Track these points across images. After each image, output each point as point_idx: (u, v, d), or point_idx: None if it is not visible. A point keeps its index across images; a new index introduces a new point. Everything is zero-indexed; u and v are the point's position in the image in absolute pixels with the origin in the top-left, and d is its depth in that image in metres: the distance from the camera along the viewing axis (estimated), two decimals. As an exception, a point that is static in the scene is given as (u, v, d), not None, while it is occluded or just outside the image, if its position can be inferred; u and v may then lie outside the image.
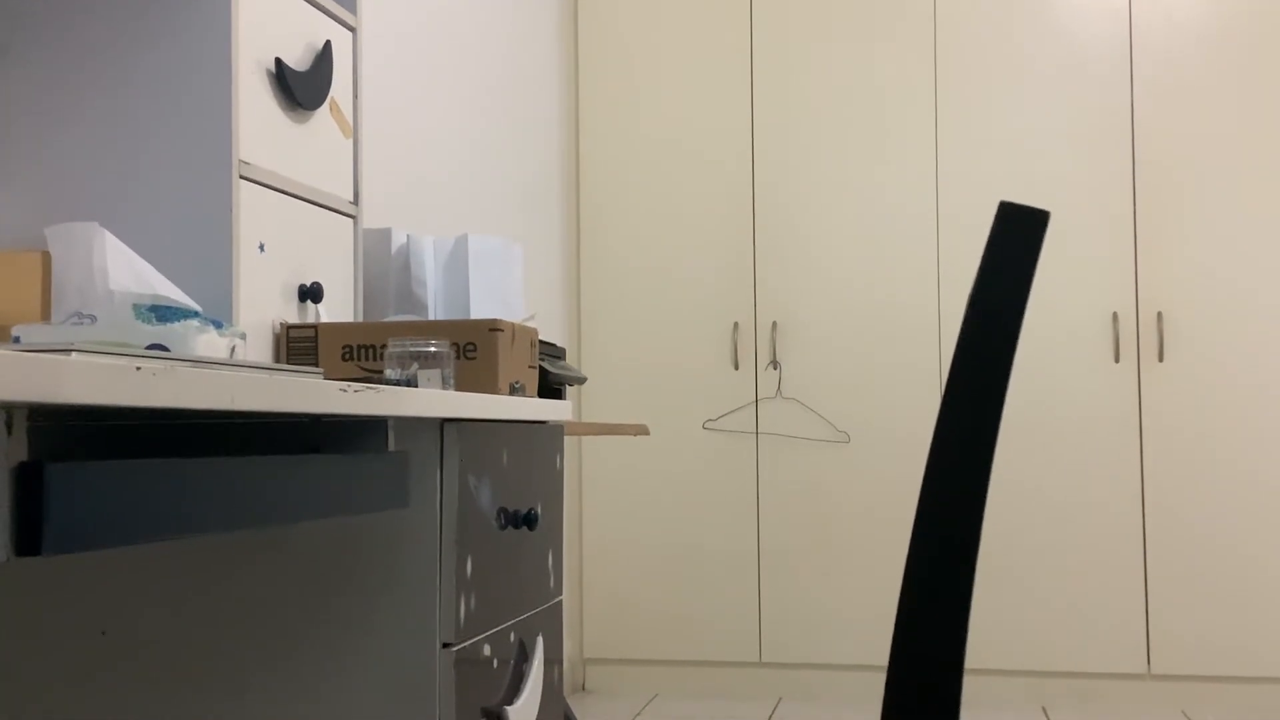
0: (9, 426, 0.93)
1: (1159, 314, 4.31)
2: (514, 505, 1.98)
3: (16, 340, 1.68)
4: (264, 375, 1.17)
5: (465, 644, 1.77)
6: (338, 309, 2.30)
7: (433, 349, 1.83)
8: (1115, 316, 4.34)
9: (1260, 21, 4.31)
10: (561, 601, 2.24)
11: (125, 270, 1.79)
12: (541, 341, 2.54)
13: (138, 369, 0.97)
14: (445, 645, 1.73)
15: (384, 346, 2.06)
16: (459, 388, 2.00)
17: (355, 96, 2.39)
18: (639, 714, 4.26)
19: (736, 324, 4.58)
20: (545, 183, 4.45)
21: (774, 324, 4.55)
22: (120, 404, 0.95)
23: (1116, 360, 4.34)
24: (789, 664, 4.52)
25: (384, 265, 2.54)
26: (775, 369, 4.55)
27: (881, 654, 4.42)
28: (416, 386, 1.75)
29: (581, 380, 2.81)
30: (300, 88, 2.16)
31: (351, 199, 2.37)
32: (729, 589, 4.56)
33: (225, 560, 1.77)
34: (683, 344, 4.62)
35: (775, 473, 4.54)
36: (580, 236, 4.72)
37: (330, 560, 1.76)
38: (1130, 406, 4.33)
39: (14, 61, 2.03)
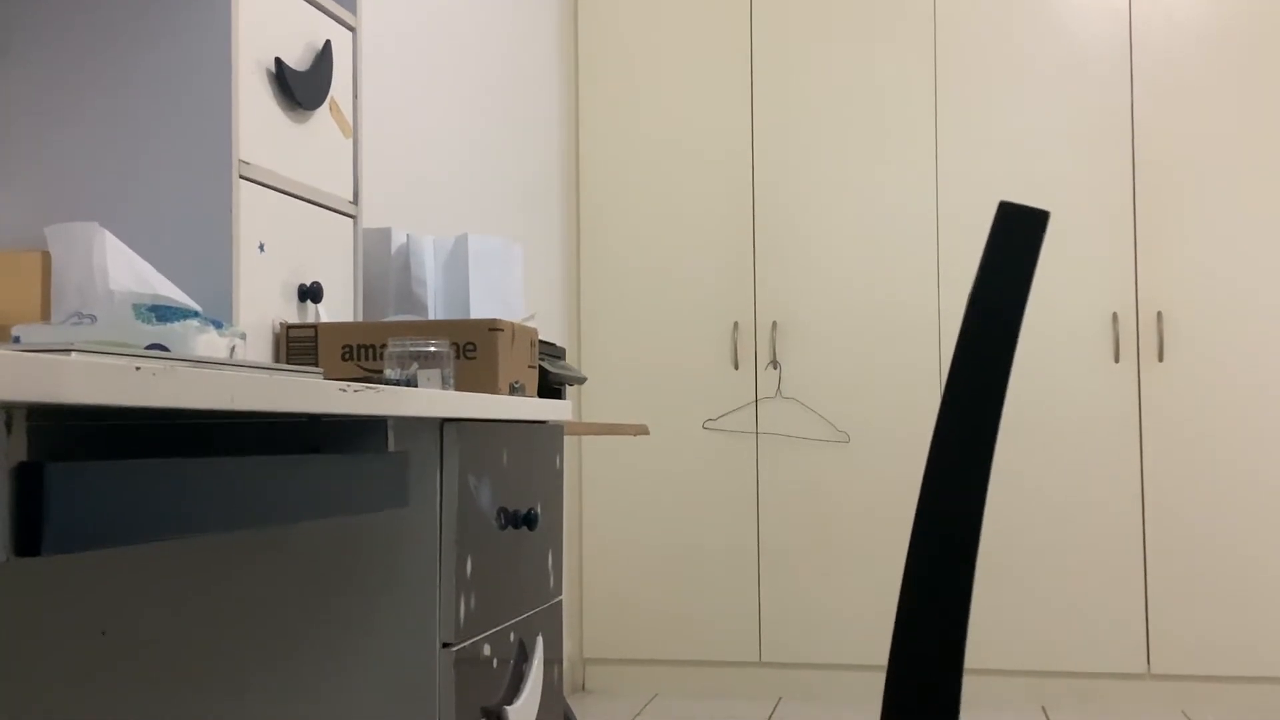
0: (9, 426, 0.93)
1: (1159, 314, 4.31)
2: (514, 505, 1.98)
3: (16, 340, 1.68)
4: (264, 375, 1.17)
5: (465, 644, 1.77)
6: (338, 309, 2.30)
7: (433, 349, 1.83)
8: (1115, 316, 4.34)
9: (1260, 21, 4.31)
10: (561, 601, 2.24)
11: (125, 270, 1.79)
12: (541, 341, 2.54)
13: (137, 369, 0.97)
14: (445, 645, 1.73)
15: (384, 346, 2.06)
16: (459, 387, 2.00)
17: (355, 96, 2.39)
18: (639, 714, 4.26)
19: (736, 324, 4.58)
20: (545, 183, 4.45)
21: (774, 324, 4.55)
22: (120, 404, 0.95)
23: (1116, 360, 4.34)
24: (789, 664, 4.52)
25: (384, 265, 2.54)
26: (775, 369, 4.55)
27: (881, 654, 4.42)
28: (416, 386, 1.75)
29: (581, 380, 2.81)
30: (300, 88, 2.16)
31: (351, 199, 2.37)
32: (729, 589, 4.56)
33: (225, 560, 1.77)
34: (683, 344, 4.62)
35: (775, 473, 4.54)
36: (580, 236, 4.72)
37: (330, 560, 1.76)
38: (1130, 406, 4.33)
39: (14, 61, 2.03)
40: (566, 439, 4.37)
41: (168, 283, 1.82)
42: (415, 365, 1.82)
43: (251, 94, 2.03)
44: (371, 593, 1.75)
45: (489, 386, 2.05)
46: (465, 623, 1.76)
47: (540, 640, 2.09)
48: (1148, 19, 4.37)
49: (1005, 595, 4.36)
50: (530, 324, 2.34)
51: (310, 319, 2.19)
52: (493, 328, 2.07)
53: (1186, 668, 4.26)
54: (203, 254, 1.96)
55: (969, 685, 4.35)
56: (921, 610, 1.21)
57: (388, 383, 1.76)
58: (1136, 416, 4.33)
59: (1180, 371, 4.31)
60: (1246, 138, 4.30)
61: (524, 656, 2.02)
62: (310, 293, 2.18)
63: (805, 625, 4.50)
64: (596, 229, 4.70)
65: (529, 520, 1.97)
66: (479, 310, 2.55)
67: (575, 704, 4.35)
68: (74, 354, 0.98)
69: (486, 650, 1.85)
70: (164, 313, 1.72)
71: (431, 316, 2.52)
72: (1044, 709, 4.28)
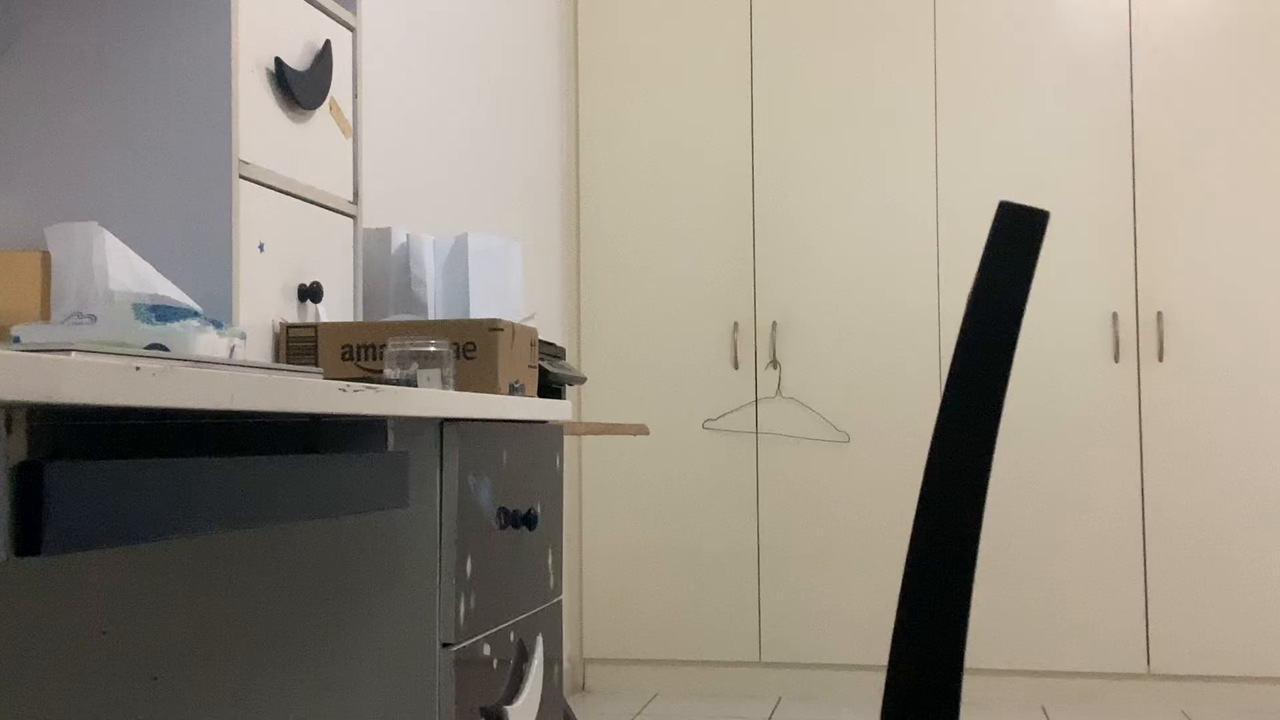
0: (9, 426, 0.93)
1: (1159, 314, 4.31)
2: (514, 505, 1.98)
3: (16, 340, 1.68)
4: (264, 375, 1.17)
5: (465, 644, 1.77)
6: (337, 309, 2.30)
7: (432, 349, 1.83)
8: (1115, 316, 4.34)
9: (1260, 21, 4.31)
10: (561, 601, 2.24)
11: (125, 270, 1.78)
12: (541, 341, 2.54)
13: (137, 369, 0.97)
14: (445, 645, 1.73)
15: (384, 346, 2.06)
16: (459, 387, 2.00)
17: (355, 96, 2.39)
18: (639, 714, 4.26)
19: (736, 324, 4.58)
20: (545, 183, 4.45)
21: (774, 324, 4.55)
22: (120, 404, 0.95)
23: (1116, 360, 4.34)
24: (789, 664, 4.52)
25: (384, 265, 2.54)
26: (775, 369, 4.55)
27: (881, 654, 4.42)
28: (416, 386, 1.75)
29: (581, 380, 2.81)
30: (300, 87, 2.16)
31: (351, 198, 2.37)
32: (729, 589, 4.56)
33: (225, 560, 1.77)
34: (683, 344, 4.62)
35: (775, 473, 4.54)
36: (580, 236, 4.72)
37: (330, 560, 1.76)
38: (1130, 406, 4.33)
39: (14, 61, 2.03)
40: (566, 439, 4.37)
41: (168, 283, 1.82)
42: (415, 365, 1.82)
43: (251, 94, 2.03)
44: (371, 593, 1.75)
45: (489, 386, 2.05)
46: (465, 622, 1.76)
47: (540, 640, 2.09)
48: (1148, 19, 4.37)
49: (1005, 595, 4.36)
50: (530, 324, 2.34)
51: (310, 319, 2.19)
52: (493, 328, 2.07)
53: (1186, 668, 4.26)
54: (203, 254, 1.96)
55: (969, 685, 4.36)
56: (921, 610, 1.21)
57: (388, 383, 1.76)
58: (1136, 416, 4.33)
59: (1180, 371, 4.31)
60: (1246, 138, 4.30)
61: (524, 656, 2.02)
62: (310, 292, 2.18)
63: (805, 625, 4.50)
64: (596, 229, 4.70)
65: (529, 520, 1.97)
66: (479, 310, 2.55)
67: (575, 704, 4.35)
68: (74, 354, 0.98)
69: (486, 650, 1.85)
70: (164, 313, 1.72)
71: (431, 316, 2.52)
72: (1044, 709, 4.28)
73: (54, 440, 1.14)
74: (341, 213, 2.33)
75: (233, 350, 1.79)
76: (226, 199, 1.97)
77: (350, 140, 2.37)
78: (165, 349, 1.68)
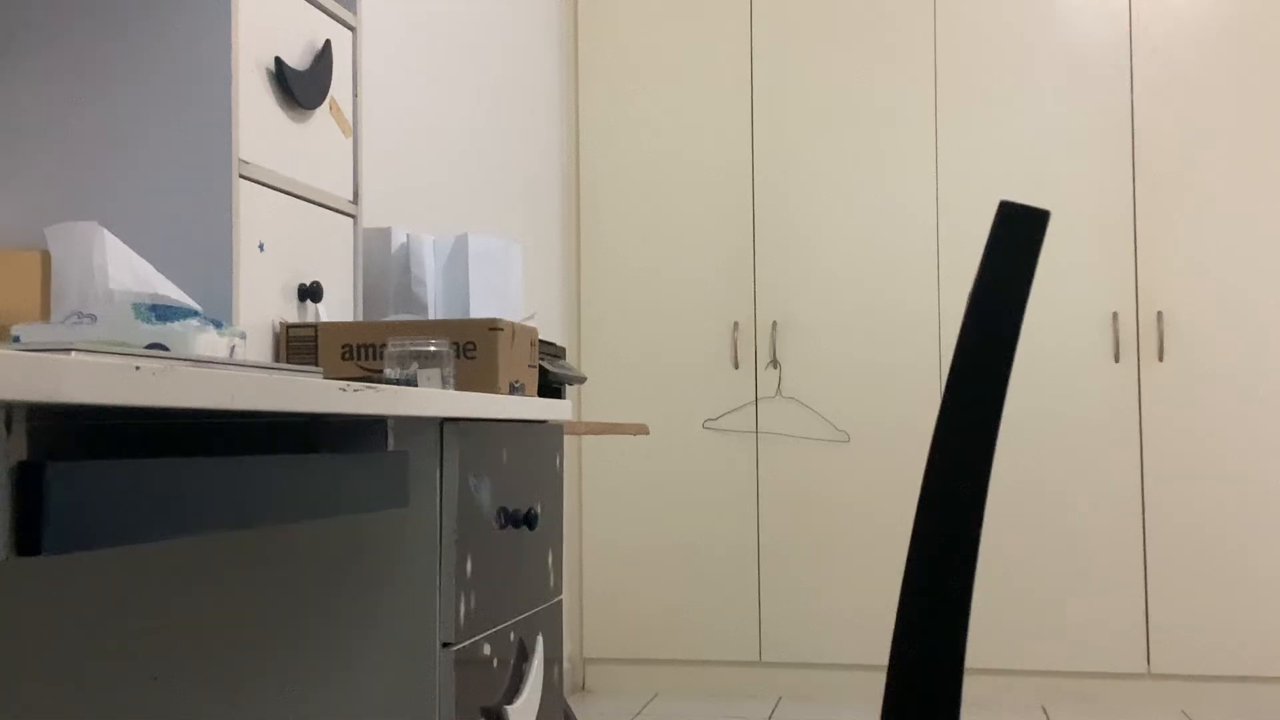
0: (9, 426, 0.93)
1: (1159, 314, 4.31)
2: (514, 505, 1.98)
3: (16, 340, 1.68)
4: (264, 375, 1.17)
5: (465, 643, 1.77)
6: (337, 308, 2.30)
7: (432, 348, 1.83)
8: (1115, 316, 4.34)
9: (1260, 21, 4.31)
10: (561, 601, 2.24)
11: (125, 269, 1.78)
12: (541, 341, 2.54)
13: (137, 368, 0.97)
14: (445, 645, 1.73)
15: (384, 346, 2.06)
16: (459, 387, 2.00)
17: (355, 96, 2.39)
18: (639, 714, 4.26)
19: (736, 324, 4.58)
20: (545, 183, 4.45)
21: (774, 324, 4.55)
22: (120, 403, 0.95)
23: (1116, 360, 4.34)
24: (789, 663, 4.52)
25: (384, 265, 2.54)
26: (775, 368, 4.55)
27: (881, 654, 4.42)
28: (416, 386, 1.75)
29: (581, 380, 2.81)
30: (300, 87, 2.16)
31: (351, 198, 2.37)
32: (729, 588, 4.56)
33: (225, 560, 1.77)
34: (683, 344, 4.62)
35: (775, 472, 4.54)
36: (580, 236, 4.72)
37: (330, 560, 1.76)
38: (1130, 406, 4.33)
39: (14, 61, 2.03)
40: (566, 439, 4.37)
41: (168, 282, 1.82)
42: (415, 365, 1.82)
43: (251, 93, 2.03)
44: (371, 592, 1.75)
45: (489, 386, 2.05)
46: (465, 622, 1.76)
47: (540, 640, 2.09)
48: (1148, 19, 4.37)
49: (1005, 595, 4.36)
50: (530, 324, 2.34)
51: (310, 318, 2.19)
52: (493, 327, 2.07)
53: (1186, 668, 4.26)
54: (203, 253, 1.96)
55: (969, 685, 4.35)
56: (921, 610, 1.21)
57: (388, 382, 1.76)
58: (1136, 416, 4.33)
59: (1180, 371, 4.31)
60: (1246, 138, 4.30)
61: (524, 656, 2.02)
62: (310, 292, 2.18)
63: (805, 625, 4.50)
64: (596, 229, 4.70)
65: (529, 520, 1.97)
66: (479, 310, 2.55)
67: (575, 704, 4.35)
68: (74, 354, 0.98)
69: (487, 650, 1.85)
70: (164, 312, 1.72)
71: (431, 316, 2.52)
72: (1044, 709, 4.28)
73: (54, 440, 1.14)
74: (341, 212, 2.33)
75: (233, 350, 1.79)
76: (226, 199, 1.97)
77: (350, 140, 2.37)
78: (165, 349, 1.68)
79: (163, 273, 1.87)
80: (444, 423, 1.75)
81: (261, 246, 2.05)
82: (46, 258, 1.84)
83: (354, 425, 1.58)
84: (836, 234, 4.53)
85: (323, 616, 1.75)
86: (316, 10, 2.26)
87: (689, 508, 4.59)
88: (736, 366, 4.57)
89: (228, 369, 1.18)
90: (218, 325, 1.77)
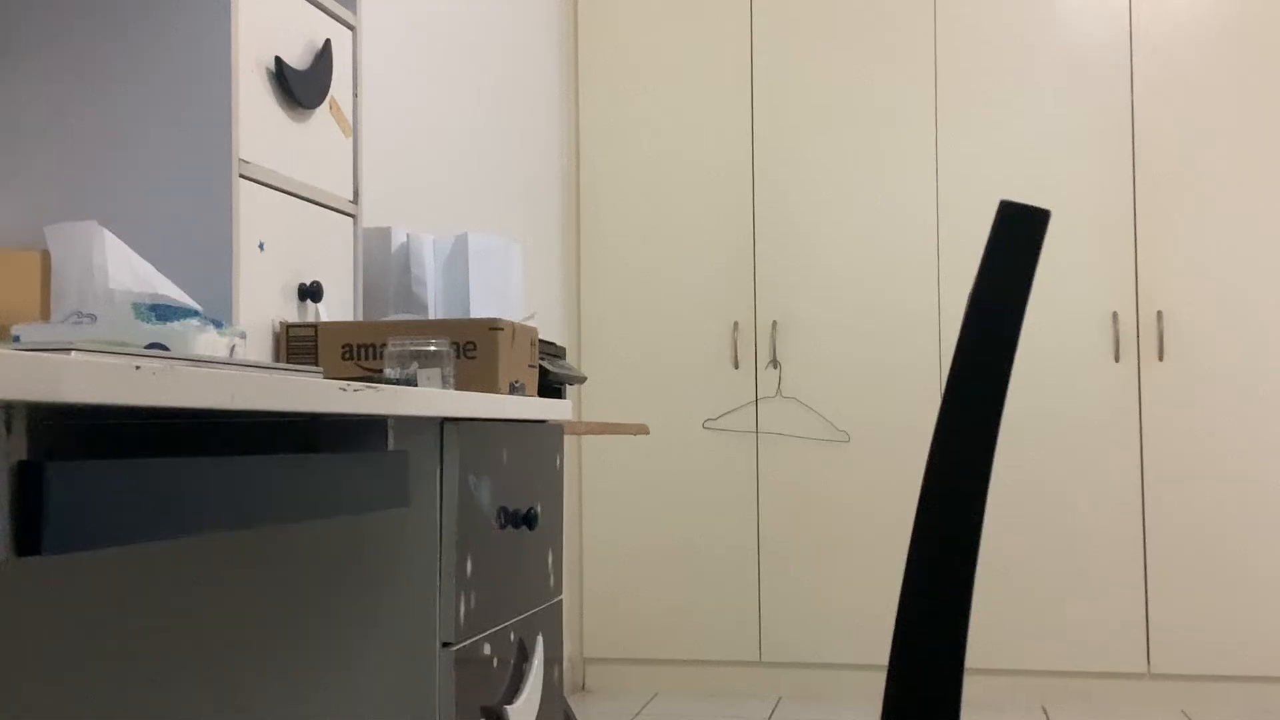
0: (9, 426, 0.93)
1: (1159, 313, 4.31)
2: (514, 505, 1.98)
3: (16, 339, 1.68)
4: (264, 374, 1.17)
5: (465, 643, 1.77)
6: (338, 308, 2.30)
7: (432, 348, 1.83)
8: (1115, 316, 4.34)
9: (1260, 21, 4.31)
10: (561, 601, 2.24)
11: (125, 269, 1.78)
12: (541, 341, 2.54)
13: (137, 368, 0.97)
14: (445, 645, 1.73)
15: (384, 345, 2.06)
16: (459, 387, 2.00)
17: (355, 95, 2.39)
18: (639, 713, 4.26)
19: (736, 323, 4.58)
20: (545, 182, 4.45)
21: (774, 323, 4.55)
22: (120, 403, 0.95)
23: (1116, 360, 4.34)
24: (789, 663, 4.52)
25: (384, 264, 2.54)
26: (775, 368, 4.55)
27: (881, 654, 4.42)
28: (416, 385, 1.75)
29: (581, 380, 2.81)
30: (300, 87, 2.16)
31: (351, 198, 2.37)
32: (729, 588, 4.55)
33: (226, 560, 1.77)
34: (683, 344, 4.62)
35: (775, 472, 4.54)
36: (580, 236, 4.72)
37: (330, 560, 1.76)
38: (1130, 406, 4.33)
39: (14, 61, 2.03)
40: (566, 438, 4.37)
41: (168, 282, 1.82)
42: (415, 364, 1.82)
43: (251, 93, 2.03)
44: (371, 592, 1.75)
45: (489, 386, 2.05)
46: (465, 622, 1.76)
47: (540, 640, 2.09)
48: (1148, 19, 4.37)
49: (1005, 595, 4.36)
50: (530, 324, 2.34)
51: (310, 318, 2.19)
52: (493, 327, 2.07)
53: (1186, 668, 4.26)
54: (203, 253, 1.96)
55: (969, 685, 4.35)
56: (922, 610, 1.21)
57: (388, 382, 1.76)
58: (1136, 416, 4.33)
59: (1180, 371, 4.31)
60: (1246, 138, 4.30)
61: (524, 656, 2.02)
62: (310, 292, 2.18)
63: (805, 625, 4.50)
64: (596, 229, 4.70)
65: (529, 520, 1.97)
66: (479, 310, 2.55)
67: (575, 704, 4.35)
68: (74, 353, 0.98)
69: (487, 650, 1.85)
70: (164, 312, 1.72)
71: (431, 316, 2.52)
72: (1044, 709, 4.28)
73: (54, 440, 1.14)
74: (341, 212, 2.33)
75: (233, 350, 1.79)
76: (226, 198, 1.97)
77: (350, 140, 2.37)
78: (165, 348, 1.68)
79: (163, 272, 1.87)
80: (444, 423, 1.75)
81: (261, 246, 2.05)
82: (46, 257, 1.84)
83: (354, 425, 1.58)
84: (836, 234, 4.53)
85: (323, 616, 1.75)
86: (316, 10, 2.26)
87: (689, 508, 4.59)
88: (736, 366, 4.57)
89: (228, 369, 1.18)
90: (218, 325, 1.77)
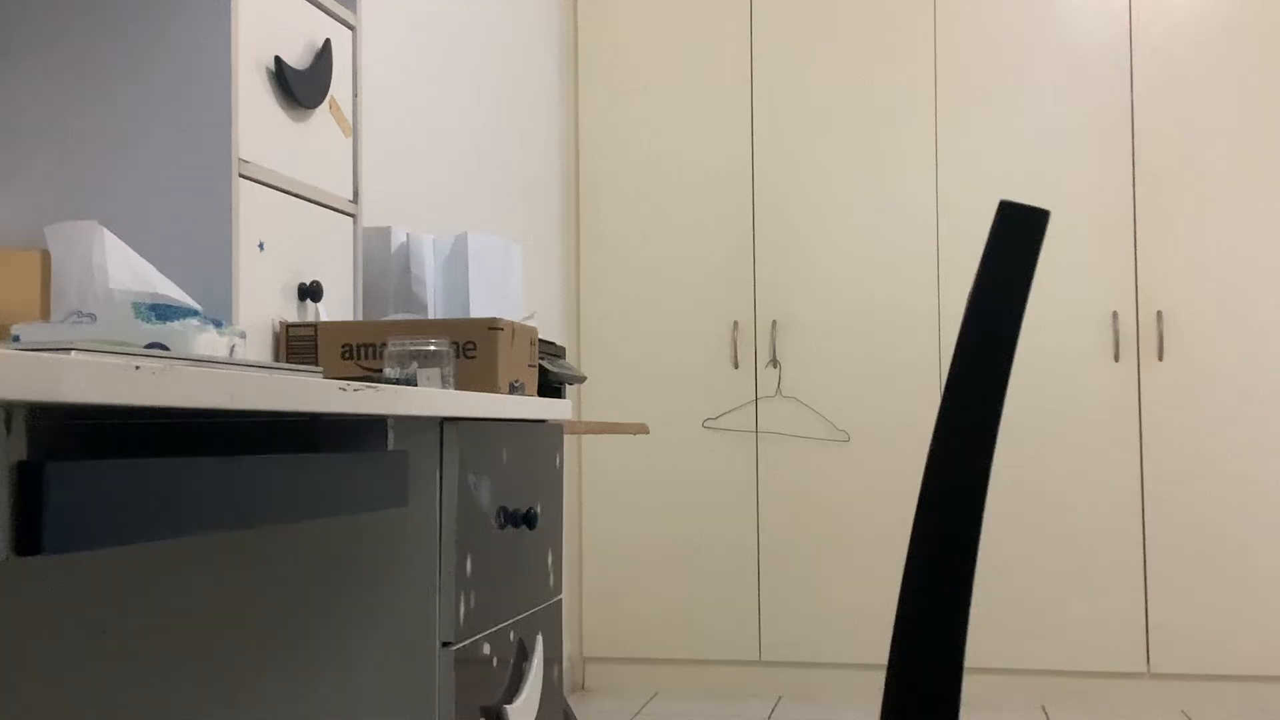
0: (8, 425, 0.93)
1: (1159, 313, 4.31)
2: (513, 504, 1.98)
3: (16, 339, 1.68)
4: (264, 374, 1.17)
5: (465, 643, 1.77)
6: (337, 308, 2.30)
7: (432, 347, 1.83)
8: (1115, 315, 4.34)
9: (1260, 21, 4.31)
10: (561, 600, 2.24)
11: (125, 269, 1.78)
12: (541, 340, 2.54)
13: (137, 368, 0.97)
14: (445, 644, 1.73)
15: (384, 345, 2.06)
16: (459, 386, 2.00)
17: (355, 95, 2.39)
18: (639, 713, 4.26)
19: (736, 323, 4.58)
20: (545, 182, 4.45)
21: (774, 323, 4.55)
22: (120, 403, 0.95)
23: (1116, 359, 4.34)
24: (789, 663, 4.52)
25: (384, 264, 2.54)
26: (775, 368, 4.55)
27: (881, 653, 4.42)
28: (416, 385, 1.75)
29: (581, 379, 2.81)
30: (300, 86, 2.16)
31: (351, 197, 2.37)
32: (729, 588, 4.55)
33: (225, 560, 1.77)
34: (683, 343, 4.62)
35: (775, 472, 4.54)
36: (580, 236, 4.72)
37: (330, 560, 1.76)
38: (1130, 405, 4.33)
39: (14, 61, 2.03)
40: (566, 438, 4.37)
41: (168, 281, 1.82)
42: (415, 364, 1.82)
43: (251, 93, 2.03)
44: (371, 592, 1.75)
45: (489, 385, 2.05)
46: (465, 622, 1.76)
47: (540, 639, 2.09)
48: (1148, 19, 4.37)
49: (1005, 595, 4.36)
50: (530, 323, 2.34)
51: (310, 318, 2.19)
52: (492, 326, 2.07)
53: (1186, 668, 4.26)
54: (202, 253, 1.96)
55: (969, 685, 4.36)
56: (921, 610, 1.21)
57: (387, 381, 1.76)
58: (1136, 416, 4.33)
59: (1180, 371, 4.31)
60: (1246, 138, 4.30)
61: (524, 655, 2.02)
62: (310, 292, 2.18)
63: (805, 625, 4.50)
64: (596, 229, 4.70)
65: (528, 519, 1.97)
66: (479, 309, 2.55)
67: (575, 703, 4.35)
68: (74, 353, 0.98)
69: (486, 649, 1.85)
70: (164, 312, 1.72)
71: (431, 315, 2.52)
72: (1044, 709, 4.28)
73: (54, 440, 1.14)
74: (341, 212, 2.33)
75: (233, 349, 1.79)
76: (226, 198, 1.97)
77: (350, 139, 2.37)
78: (165, 348, 1.68)
79: (163, 272, 1.87)
80: (444, 422, 1.75)
81: (261, 246, 2.05)
82: (46, 257, 1.84)
83: (354, 425, 1.58)
84: (836, 234, 4.53)
85: (323, 616, 1.75)
86: (316, 10, 2.26)
87: (689, 507, 4.59)
88: (736, 366, 4.57)
89: (228, 369, 1.18)
90: (218, 325, 1.77)
